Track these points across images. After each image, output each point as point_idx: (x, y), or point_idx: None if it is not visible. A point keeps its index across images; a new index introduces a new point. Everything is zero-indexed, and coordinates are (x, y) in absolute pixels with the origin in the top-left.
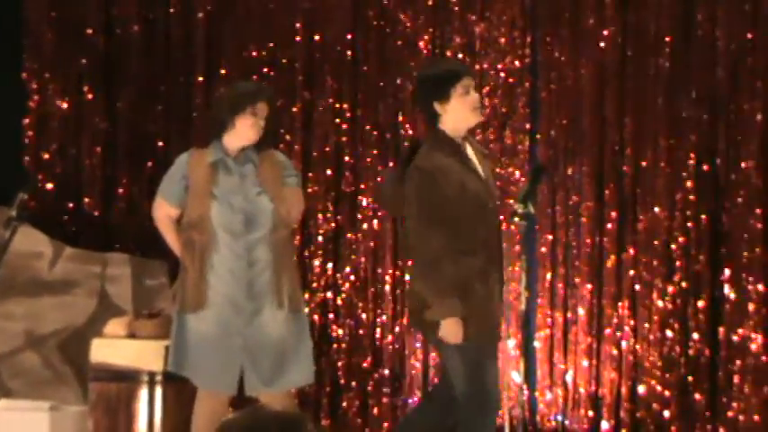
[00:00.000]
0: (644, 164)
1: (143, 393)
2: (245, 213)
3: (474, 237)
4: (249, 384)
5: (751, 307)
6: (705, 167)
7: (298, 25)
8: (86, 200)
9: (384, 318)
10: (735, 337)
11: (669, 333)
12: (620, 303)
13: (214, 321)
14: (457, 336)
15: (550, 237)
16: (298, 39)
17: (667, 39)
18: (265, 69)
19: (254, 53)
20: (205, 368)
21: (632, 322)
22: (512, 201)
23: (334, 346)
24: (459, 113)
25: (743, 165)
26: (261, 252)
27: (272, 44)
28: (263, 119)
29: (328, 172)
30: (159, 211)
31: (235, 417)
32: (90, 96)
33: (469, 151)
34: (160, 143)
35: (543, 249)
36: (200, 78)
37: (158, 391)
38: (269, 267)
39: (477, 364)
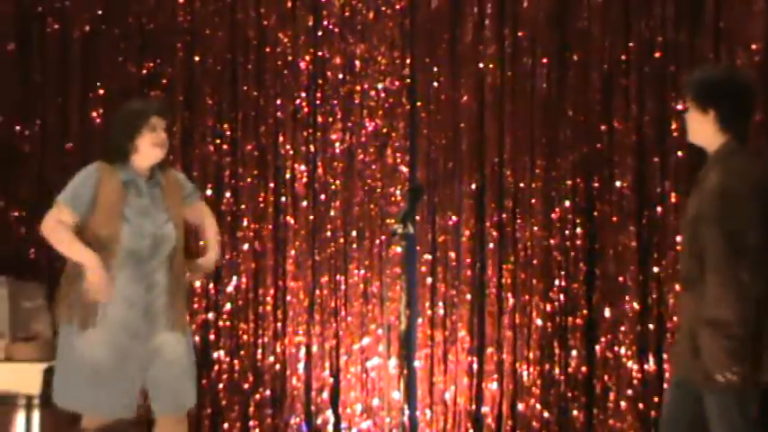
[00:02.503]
0: (522, 184)
1: (20, 417)
2: (153, 238)
3: None
4: (155, 408)
5: (626, 325)
6: (581, 187)
7: (178, 45)
8: None
9: (265, 338)
10: (610, 355)
11: (548, 351)
12: (500, 322)
13: (107, 347)
14: None
15: (430, 256)
16: (178, 58)
17: (544, 60)
18: (144, 89)
19: (133, 72)
20: (101, 396)
21: (512, 341)
22: (391, 221)
23: (216, 367)
24: None
25: (617, 184)
26: (160, 276)
27: (151, 64)
28: (163, 131)
29: (209, 192)
30: (58, 215)
31: None
32: None
33: None
34: (36, 164)
35: (423, 269)
36: (77, 98)
37: (36, 414)
38: (166, 291)
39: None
